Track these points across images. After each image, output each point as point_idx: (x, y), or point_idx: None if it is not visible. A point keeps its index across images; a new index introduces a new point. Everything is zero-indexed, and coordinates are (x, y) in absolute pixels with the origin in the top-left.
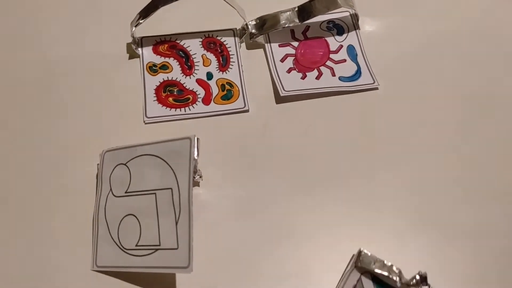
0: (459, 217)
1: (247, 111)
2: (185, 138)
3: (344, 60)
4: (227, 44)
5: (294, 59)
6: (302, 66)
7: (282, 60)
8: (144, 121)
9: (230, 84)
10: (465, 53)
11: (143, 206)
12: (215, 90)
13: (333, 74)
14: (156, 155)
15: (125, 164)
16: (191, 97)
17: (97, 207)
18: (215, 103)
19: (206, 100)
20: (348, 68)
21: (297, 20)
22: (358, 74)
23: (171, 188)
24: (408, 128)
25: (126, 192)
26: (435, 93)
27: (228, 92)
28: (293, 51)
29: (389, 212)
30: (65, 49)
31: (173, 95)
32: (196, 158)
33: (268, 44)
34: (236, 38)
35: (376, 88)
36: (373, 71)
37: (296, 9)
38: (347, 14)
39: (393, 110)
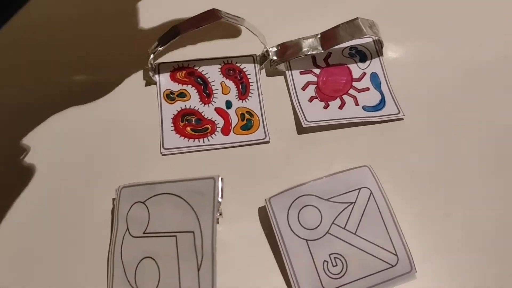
0: (485, 256)
1: (267, 142)
2: (209, 178)
3: (368, 89)
4: (246, 71)
5: (316, 87)
6: (324, 94)
7: (304, 88)
8: (161, 153)
9: (250, 113)
10: (493, 81)
11: (163, 249)
12: (234, 119)
13: (357, 104)
14: (177, 194)
15: (143, 203)
16: (209, 127)
17: (113, 246)
18: (235, 133)
19: (225, 130)
20: (372, 97)
21: (320, 48)
22: (382, 103)
23: (193, 232)
24: (435, 160)
25: (144, 233)
26: (462, 123)
27: (248, 122)
28: (314, 79)
29: (411, 243)
30: (80, 76)
31: (191, 125)
32: (220, 200)
33: (289, 71)
34: (256, 64)
35: (401, 119)
36: (398, 100)
37: (319, 36)
38: (370, 40)
39: (419, 141)
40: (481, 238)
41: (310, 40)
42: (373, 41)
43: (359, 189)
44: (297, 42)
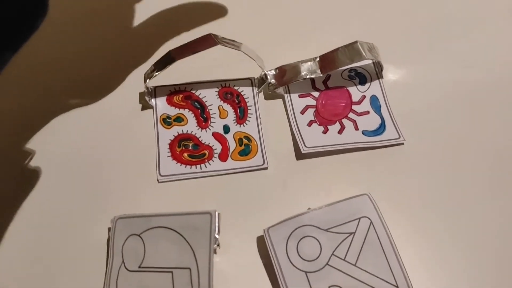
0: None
1: (266, 168)
2: (205, 213)
3: (368, 112)
4: (244, 94)
5: (315, 111)
6: (323, 118)
7: (303, 112)
8: (157, 180)
9: (248, 138)
10: (498, 104)
11: (158, 285)
12: (232, 144)
13: (356, 128)
14: (173, 228)
15: (139, 235)
16: (207, 153)
17: (108, 280)
18: (233, 159)
19: (223, 156)
20: (372, 121)
21: (318, 71)
22: (382, 127)
23: (189, 268)
24: (438, 187)
25: (140, 267)
26: (466, 148)
27: (246, 147)
28: (313, 102)
29: (412, 274)
30: (74, 99)
31: (188, 151)
32: (217, 236)
33: (288, 95)
34: (254, 88)
35: (402, 144)
36: (398, 124)
37: (318, 59)
38: (370, 61)
39: (420, 168)
40: (486, 270)
41: (309, 63)
42: (373, 63)
43: (359, 218)
44: (295, 65)
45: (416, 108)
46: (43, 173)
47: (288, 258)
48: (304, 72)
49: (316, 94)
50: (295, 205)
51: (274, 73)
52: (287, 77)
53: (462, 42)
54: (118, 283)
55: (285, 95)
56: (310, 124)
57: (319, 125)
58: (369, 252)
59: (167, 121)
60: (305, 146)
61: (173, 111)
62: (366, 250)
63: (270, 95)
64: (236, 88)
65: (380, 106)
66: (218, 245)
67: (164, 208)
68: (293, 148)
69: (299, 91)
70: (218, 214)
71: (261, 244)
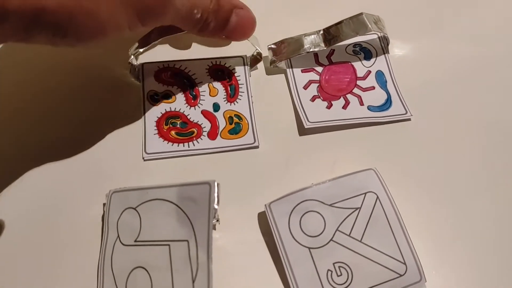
0: (497, 265)
1: (257, 147)
2: (204, 183)
3: (373, 88)
4: (236, 72)
5: (318, 86)
6: (327, 94)
7: (306, 87)
8: (143, 158)
9: (239, 116)
10: (507, 79)
11: (155, 259)
12: (222, 123)
13: (361, 103)
14: (170, 200)
15: (134, 209)
16: (195, 131)
17: (103, 255)
18: (222, 137)
19: (212, 134)
20: (378, 96)
21: (322, 45)
22: (388, 103)
23: (187, 241)
24: (445, 163)
25: (135, 241)
26: (475, 124)
27: (236, 126)
28: (317, 77)
29: (419, 250)
30: (59, 77)
31: (176, 128)
32: (216, 207)
33: (290, 70)
34: (246, 66)
35: (409, 119)
36: (405, 99)
37: (322, 32)
38: (375, 36)
39: (428, 143)
40: (494, 246)
41: (312, 36)
42: (378, 37)
43: (365, 193)
44: (298, 38)
45: (423, 84)
46: (30, 152)
47: (291, 233)
48: (307, 46)
49: (319, 69)
50: (297, 182)
51: (275, 46)
52: (289, 50)
53: (472, 16)
54: (113, 258)
55: (287, 70)
56: (313, 99)
57: (323, 100)
58: (375, 228)
59: (154, 98)
60: (308, 121)
61: (161, 88)
62: (372, 226)
63: (272, 70)
64: (227, 66)
65: (386, 82)
66: (217, 220)
67: None
68: (296, 123)
69: (301, 65)
70: (218, 184)
71: (263, 220)
